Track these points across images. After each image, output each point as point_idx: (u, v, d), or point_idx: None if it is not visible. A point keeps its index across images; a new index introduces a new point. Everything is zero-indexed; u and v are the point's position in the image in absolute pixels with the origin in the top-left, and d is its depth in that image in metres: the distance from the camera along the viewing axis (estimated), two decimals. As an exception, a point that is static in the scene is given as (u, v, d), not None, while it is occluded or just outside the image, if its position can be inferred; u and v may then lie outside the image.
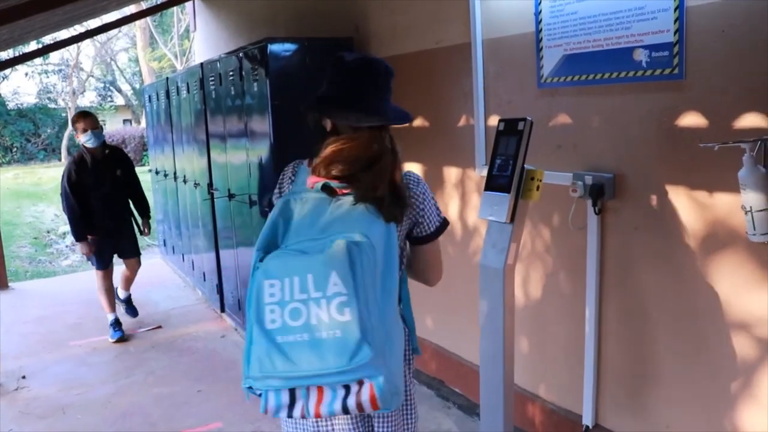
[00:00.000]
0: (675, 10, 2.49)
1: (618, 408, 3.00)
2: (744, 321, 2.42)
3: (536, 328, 3.41)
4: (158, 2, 9.19)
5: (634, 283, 2.84)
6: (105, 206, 5.33)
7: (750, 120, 2.29)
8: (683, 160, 2.55)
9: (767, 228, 2.21)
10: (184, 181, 6.68)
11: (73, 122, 5.29)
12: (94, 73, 28.37)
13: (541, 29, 3.08)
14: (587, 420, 3.10)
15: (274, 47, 4.25)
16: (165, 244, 8.24)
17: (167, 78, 7.07)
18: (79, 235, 5.32)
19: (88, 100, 28.73)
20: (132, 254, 5.69)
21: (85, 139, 5.18)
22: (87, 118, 5.29)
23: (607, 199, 2.85)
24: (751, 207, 2.21)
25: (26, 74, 26.32)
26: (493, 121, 3.32)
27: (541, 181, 2.51)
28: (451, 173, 3.88)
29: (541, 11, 3.07)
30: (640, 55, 2.65)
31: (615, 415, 3.02)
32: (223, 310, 6.02)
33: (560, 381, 3.30)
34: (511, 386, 2.69)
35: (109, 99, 29.26)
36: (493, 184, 2.59)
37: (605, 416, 3.07)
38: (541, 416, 3.40)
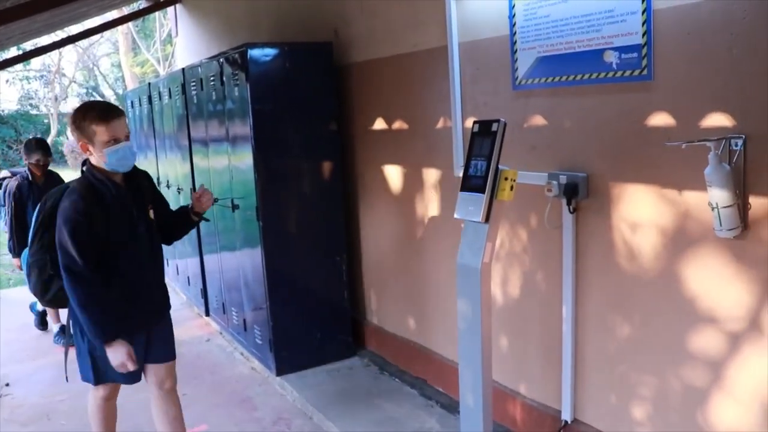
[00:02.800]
0: (643, 12, 2.55)
1: (596, 403, 3.06)
2: (714, 315, 2.48)
3: (516, 326, 3.46)
4: (140, 8, 9.18)
5: (609, 280, 2.90)
6: (144, 277, 3.08)
7: (715, 119, 2.35)
8: (653, 159, 2.61)
9: (733, 224, 2.28)
10: (168, 186, 6.70)
11: (78, 123, 2.81)
12: (76, 78, 28.20)
13: (516, 32, 3.13)
14: (566, 415, 3.16)
15: (254, 52, 4.28)
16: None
17: (149, 83, 7.08)
18: (110, 332, 2.86)
19: (70, 105, 28.54)
20: (168, 356, 3.25)
21: (112, 159, 2.85)
22: (114, 118, 2.86)
23: (581, 198, 2.90)
24: (717, 203, 2.27)
25: (7, 81, 26.13)
26: (470, 123, 3.37)
27: (515, 181, 2.56)
28: (430, 175, 3.93)
29: (515, 14, 3.12)
30: (611, 57, 2.71)
31: (593, 410, 3.08)
32: (207, 314, 6.05)
33: (539, 378, 3.36)
34: (489, 383, 2.74)
35: (92, 105, 29.09)
36: (468, 184, 2.63)
37: (584, 411, 3.13)
38: (522, 412, 3.45)
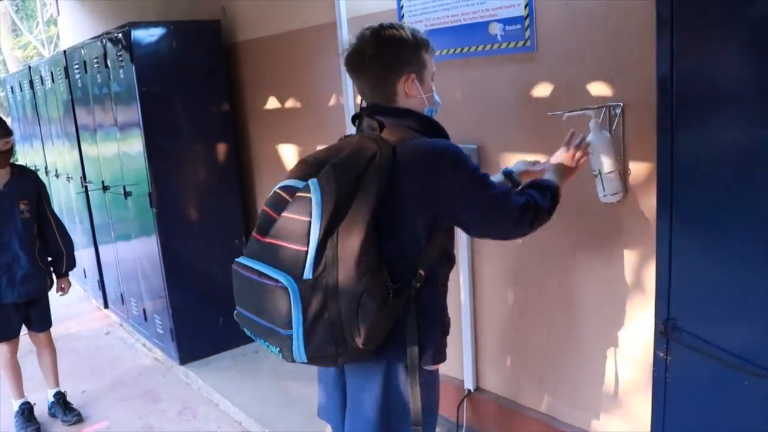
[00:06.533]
0: (524, -16, 2.59)
1: (496, 370, 3.13)
2: (600, 277, 2.57)
3: (416, 299, 3.49)
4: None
5: (502, 249, 2.96)
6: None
7: (595, 88, 2.42)
8: (538, 129, 2.66)
9: (616, 188, 2.36)
10: (56, 176, 6.40)
11: (406, 44, 1.91)
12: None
13: (403, 5, 3.12)
14: (469, 384, 3.22)
15: (139, 32, 4.11)
16: (41, 243, 7.87)
17: (30, 67, 6.70)
18: None
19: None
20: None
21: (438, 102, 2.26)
22: None
23: (472, 169, 2.93)
24: (599, 170, 2.34)
25: None
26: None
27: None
28: (326, 153, 3.88)
29: (401, -12, 3.11)
30: (496, 29, 2.74)
31: (494, 377, 3.16)
32: (106, 306, 5.84)
33: (442, 348, 3.40)
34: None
35: (-29, 92, 27.44)
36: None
37: (485, 379, 3.20)
38: (426, 384, 3.49)
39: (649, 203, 2.31)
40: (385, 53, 1.83)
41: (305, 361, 1.68)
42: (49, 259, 3.88)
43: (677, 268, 1.59)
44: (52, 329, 4.02)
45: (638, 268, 2.43)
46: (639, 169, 2.34)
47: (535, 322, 2.89)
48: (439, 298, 1.92)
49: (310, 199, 1.63)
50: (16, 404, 3.87)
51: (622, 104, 2.33)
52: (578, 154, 2.20)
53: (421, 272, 1.78)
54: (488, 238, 2.01)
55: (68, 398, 4.03)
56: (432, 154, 1.76)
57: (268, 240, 1.71)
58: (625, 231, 2.45)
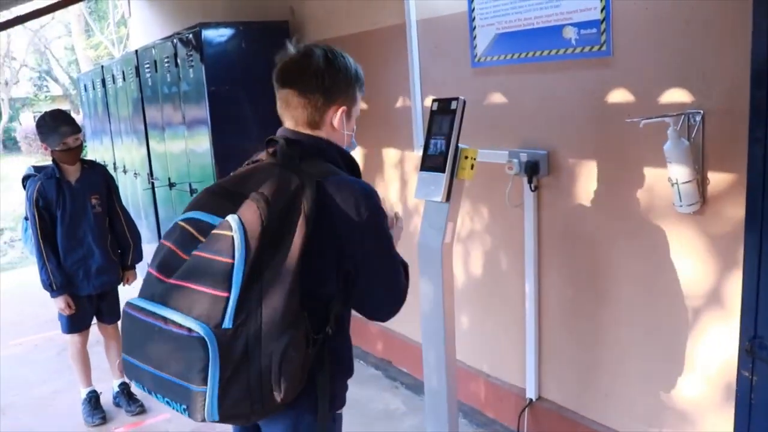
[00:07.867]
0: (601, -13, 2.53)
1: (559, 380, 3.07)
2: (674, 289, 2.49)
3: (479, 305, 3.45)
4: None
5: (571, 257, 2.90)
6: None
7: (674, 95, 2.34)
8: (612, 136, 2.60)
9: (693, 199, 2.28)
10: (124, 172, 6.56)
11: (352, 78, 1.80)
12: (27, 62, 27.41)
13: (474, 8, 3.09)
14: (531, 393, 3.16)
15: (209, 32, 4.18)
16: (107, 236, 8.08)
17: (102, 66, 6.90)
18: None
19: (23, 90, 27.84)
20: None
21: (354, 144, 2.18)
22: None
23: (542, 175, 2.89)
24: (677, 179, 2.26)
25: (-47, 65, 25.28)
26: (430, 101, 3.33)
27: (475, 159, 2.53)
28: (391, 155, 3.88)
29: (473, -10, 3.08)
30: (570, 33, 2.68)
31: (557, 387, 3.09)
32: (169, 301, 5.94)
33: (504, 357, 3.36)
34: (453, 363, 2.72)
35: (45, 89, 28.39)
36: (428, 164, 2.59)
37: (548, 388, 3.14)
38: (487, 392, 3.45)
39: (729, 215, 2.23)
40: (328, 74, 1.70)
41: (216, 420, 1.47)
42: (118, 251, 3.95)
43: (766, 284, 1.52)
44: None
45: (716, 283, 2.34)
46: (719, 180, 2.26)
47: (603, 333, 2.81)
48: (349, 345, 1.81)
49: (232, 238, 1.44)
50: (84, 392, 3.97)
51: (702, 111, 2.25)
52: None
53: (333, 319, 1.65)
54: (369, 296, 1.74)
55: (132, 389, 4.12)
56: (359, 194, 1.63)
57: (174, 281, 1.50)
58: (702, 243, 2.36)
